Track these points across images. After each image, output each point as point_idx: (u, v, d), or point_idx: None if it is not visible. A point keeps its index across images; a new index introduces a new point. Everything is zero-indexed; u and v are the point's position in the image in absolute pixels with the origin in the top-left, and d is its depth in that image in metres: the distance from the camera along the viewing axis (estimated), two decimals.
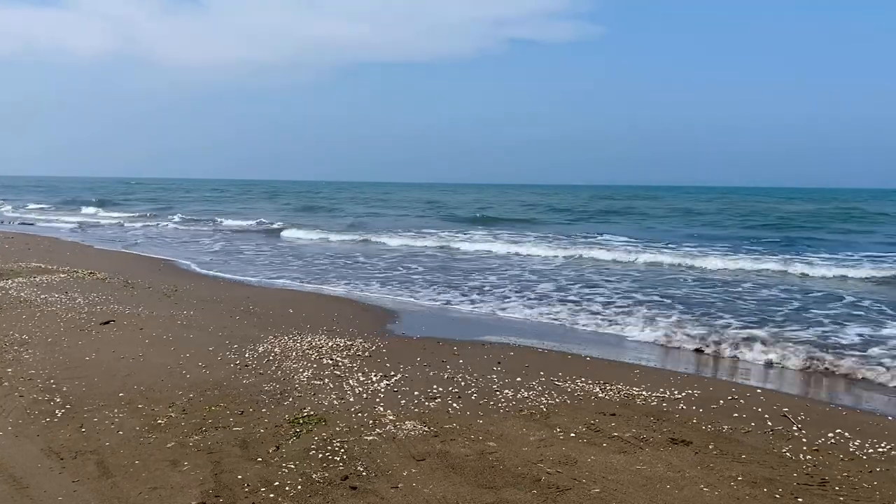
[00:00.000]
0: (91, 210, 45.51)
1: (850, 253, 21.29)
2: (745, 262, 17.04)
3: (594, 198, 69.64)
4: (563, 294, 12.87)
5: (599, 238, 26.25)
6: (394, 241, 23.93)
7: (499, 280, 14.79)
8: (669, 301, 11.98)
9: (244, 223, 33.39)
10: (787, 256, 19.67)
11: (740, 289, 13.72)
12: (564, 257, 19.33)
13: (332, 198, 68.24)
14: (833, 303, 12.05)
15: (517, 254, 20.38)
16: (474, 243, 22.92)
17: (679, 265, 17.17)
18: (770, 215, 40.83)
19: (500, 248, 21.66)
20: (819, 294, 13.04)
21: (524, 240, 24.15)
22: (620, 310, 11.09)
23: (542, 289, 13.53)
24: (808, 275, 15.22)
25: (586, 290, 13.27)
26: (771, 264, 16.60)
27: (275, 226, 31.53)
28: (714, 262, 16.96)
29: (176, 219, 36.96)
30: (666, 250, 20.69)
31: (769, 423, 5.78)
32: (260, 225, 32.56)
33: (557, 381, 6.90)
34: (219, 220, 35.53)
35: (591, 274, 15.93)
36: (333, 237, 26.14)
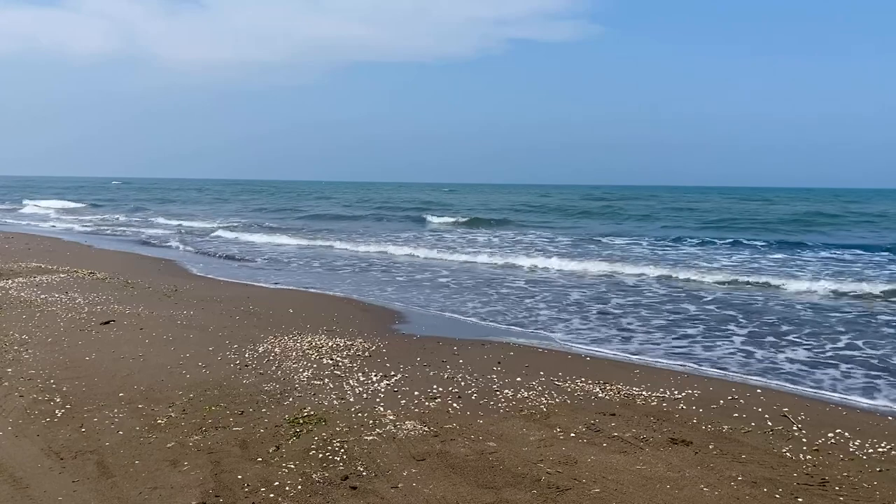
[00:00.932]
0: (30, 210, 46.06)
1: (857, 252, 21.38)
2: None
3: (587, 198, 69.24)
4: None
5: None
6: (304, 242, 23.94)
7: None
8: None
9: (197, 225, 33.17)
10: (785, 256, 19.69)
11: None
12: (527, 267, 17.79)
13: (307, 198, 68.01)
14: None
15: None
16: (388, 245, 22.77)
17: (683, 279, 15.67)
18: (770, 215, 40.77)
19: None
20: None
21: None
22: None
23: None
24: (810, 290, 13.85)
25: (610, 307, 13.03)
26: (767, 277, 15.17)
27: (212, 226, 31.53)
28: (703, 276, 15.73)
29: (122, 218, 37.89)
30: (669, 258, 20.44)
31: (769, 423, 5.78)
32: (212, 224, 32.68)
33: (557, 381, 6.90)
34: (177, 222, 35.23)
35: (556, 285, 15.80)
36: (267, 238, 25.75)
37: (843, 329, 10.03)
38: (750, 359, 8.30)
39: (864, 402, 6.70)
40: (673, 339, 9.30)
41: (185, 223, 33.62)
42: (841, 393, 6.99)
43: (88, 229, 29.90)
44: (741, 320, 10.65)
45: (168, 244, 23.08)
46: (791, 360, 8.21)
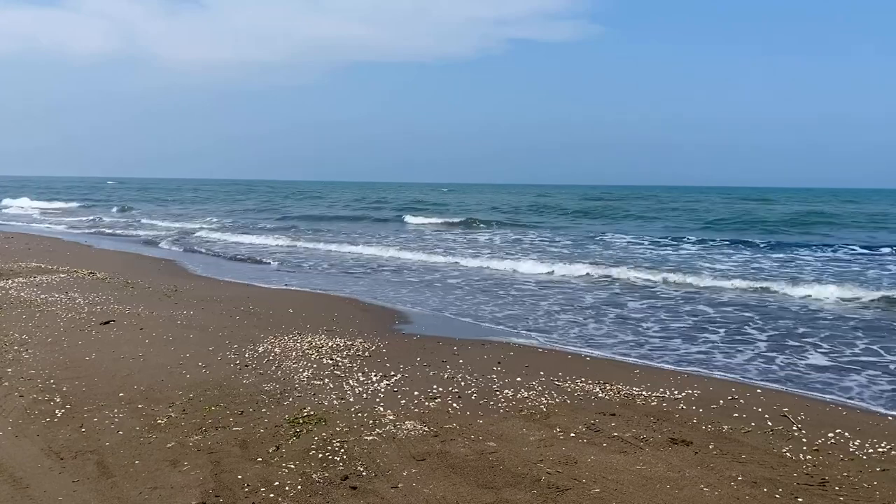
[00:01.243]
0: (13, 212, 46.20)
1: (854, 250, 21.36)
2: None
3: (587, 198, 68.81)
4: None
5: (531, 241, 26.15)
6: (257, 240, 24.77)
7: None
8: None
9: (180, 225, 33.06)
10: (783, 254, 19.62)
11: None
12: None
13: (305, 199, 67.71)
14: None
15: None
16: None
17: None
18: (771, 216, 40.70)
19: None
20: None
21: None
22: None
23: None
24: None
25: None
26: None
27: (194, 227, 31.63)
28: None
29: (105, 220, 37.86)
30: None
31: (769, 423, 5.78)
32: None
33: (557, 381, 6.90)
34: (164, 222, 35.04)
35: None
36: (257, 240, 25.66)
37: (861, 334, 9.78)
38: (772, 364, 8.05)
39: (892, 413, 6.39)
40: (693, 345, 9.01)
41: (171, 224, 33.37)
42: (868, 403, 6.69)
43: (75, 232, 29.79)
44: (757, 322, 10.48)
45: (145, 243, 23.23)
46: (817, 368, 7.91)
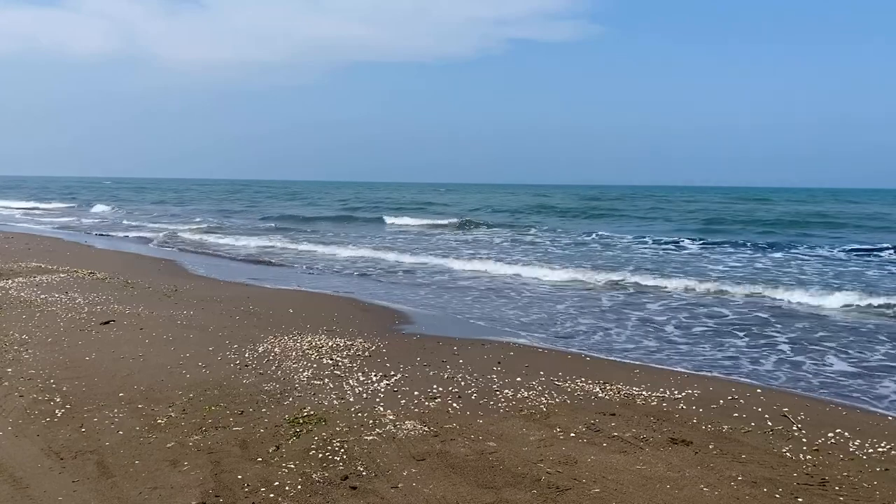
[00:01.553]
0: None
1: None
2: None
3: (587, 198, 68.57)
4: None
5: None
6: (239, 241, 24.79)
7: None
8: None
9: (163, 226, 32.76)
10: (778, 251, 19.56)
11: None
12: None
13: (301, 198, 67.79)
14: None
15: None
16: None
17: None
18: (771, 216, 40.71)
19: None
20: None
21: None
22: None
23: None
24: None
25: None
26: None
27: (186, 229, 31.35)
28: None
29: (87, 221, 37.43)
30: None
31: (769, 423, 5.78)
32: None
33: (557, 381, 6.90)
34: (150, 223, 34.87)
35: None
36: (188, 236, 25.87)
37: (883, 338, 9.61)
38: (799, 370, 7.89)
39: None
40: (720, 351, 8.83)
41: (161, 225, 32.99)
42: None
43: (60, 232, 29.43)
44: (776, 326, 10.36)
45: (144, 243, 23.33)
46: (847, 375, 7.74)
